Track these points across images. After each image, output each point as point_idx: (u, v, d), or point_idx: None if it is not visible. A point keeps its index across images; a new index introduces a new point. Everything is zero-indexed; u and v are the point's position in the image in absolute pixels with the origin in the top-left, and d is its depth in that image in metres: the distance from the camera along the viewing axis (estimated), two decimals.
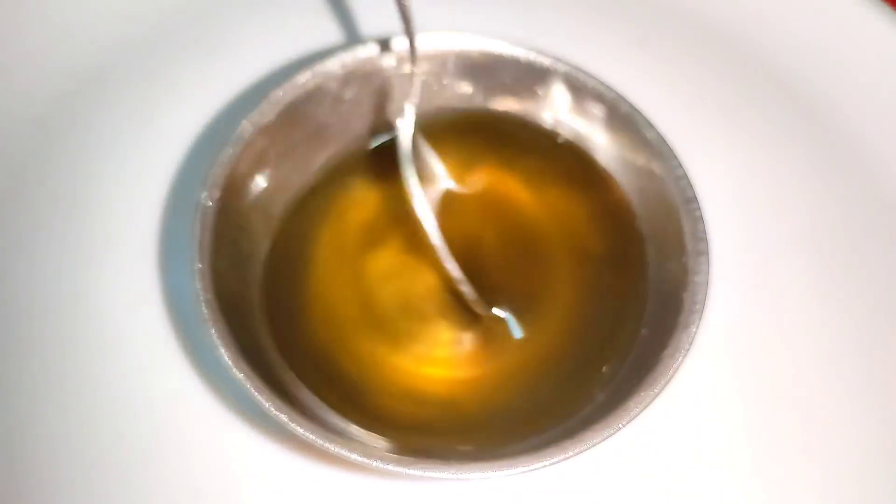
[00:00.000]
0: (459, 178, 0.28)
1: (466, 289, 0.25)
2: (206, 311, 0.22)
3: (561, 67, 0.27)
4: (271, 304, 0.25)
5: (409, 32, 0.24)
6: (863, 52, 0.33)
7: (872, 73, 0.33)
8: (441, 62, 0.27)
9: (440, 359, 0.25)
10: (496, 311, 0.26)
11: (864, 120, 0.32)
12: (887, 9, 0.33)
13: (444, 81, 0.27)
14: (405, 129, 0.24)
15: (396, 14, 0.24)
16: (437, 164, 0.27)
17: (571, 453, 0.21)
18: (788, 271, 0.29)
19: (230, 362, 0.21)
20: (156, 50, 0.31)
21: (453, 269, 0.24)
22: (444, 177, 0.27)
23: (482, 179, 0.28)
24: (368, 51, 0.26)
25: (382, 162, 0.28)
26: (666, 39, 0.33)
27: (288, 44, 0.31)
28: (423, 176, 0.26)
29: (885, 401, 0.27)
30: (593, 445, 0.21)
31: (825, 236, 0.29)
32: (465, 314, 0.26)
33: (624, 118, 0.26)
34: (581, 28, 0.33)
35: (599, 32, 0.33)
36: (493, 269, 0.27)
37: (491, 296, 0.26)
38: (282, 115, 0.26)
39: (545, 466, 0.21)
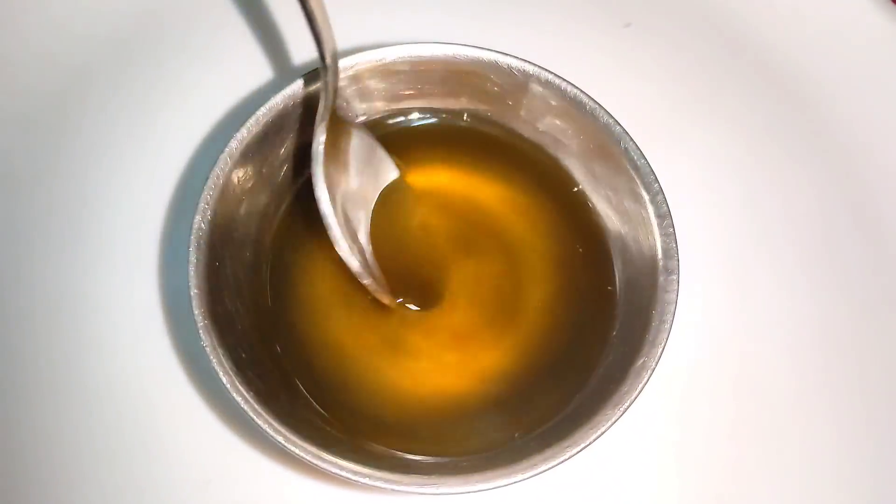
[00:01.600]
0: (425, 179, 0.29)
1: (368, 281, 0.26)
2: (203, 338, 0.23)
3: (542, 75, 0.27)
4: (263, 317, 0.26)
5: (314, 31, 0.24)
6: (852, 48, 0.33)
7: (862, 70, 0.33)
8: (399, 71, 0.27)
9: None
10: (407, 303, 0.27)
11: (855, 121, 0.32)
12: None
13: (406, 91, 0.28)
14: (319, 131, 0.25)
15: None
16: (388, 164, 0.28)
17: (555, 462, 0.23)
18: (759, 280, 0.30)
19: (228, 386, 0.23)
20: (160, 53, 0.32)
21: (353, 263, 0.25)
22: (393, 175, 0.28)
23: (452, 182, 0.29)
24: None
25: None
26: (650, 29, 0.33)
27: (292, 54, 0.31)
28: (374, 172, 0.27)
29: (862, 408, 0.29)
30: (566, 460, 0.23)
31: (801, 242, 0.31)
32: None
33: (602, 128, 0.26)
34: (565, 20, 0.33)
35: (584, 22, 0.33)
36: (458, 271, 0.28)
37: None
38: (268, 132, 0.26)
39: (521, 481, 0.23)
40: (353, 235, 0.26)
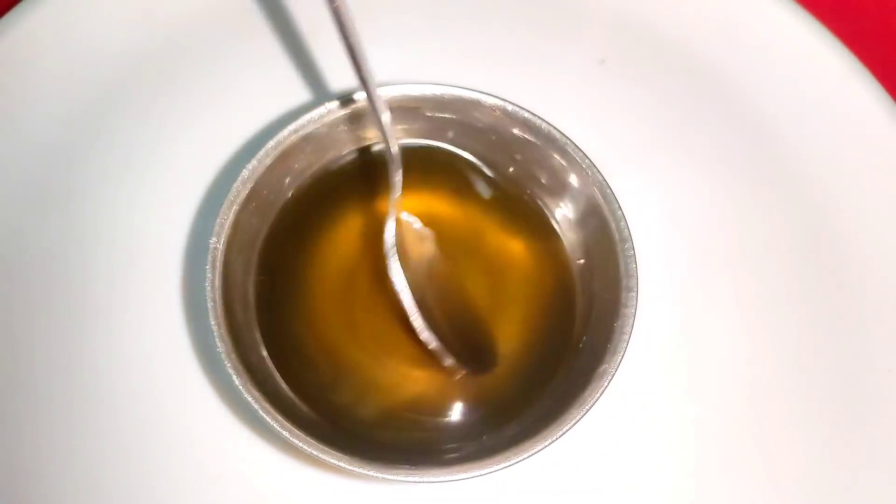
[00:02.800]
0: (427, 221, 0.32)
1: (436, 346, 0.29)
2: (219, 345, 0.27)
3: (519, 113, 0.30)
4: (268, 325, 0.30)
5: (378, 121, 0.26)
6: (812, 86, 0.36)
7: (821, 107, 0.36)
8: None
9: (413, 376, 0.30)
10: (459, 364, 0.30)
11: (815, 156, 0.35)
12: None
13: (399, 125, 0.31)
14: (391, 223, 0.28)
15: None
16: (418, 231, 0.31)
17: (528, 454, 0.26)
18: (713, 297, 0.33)
19: (241, 388, 0.26)
20: (184, 75, 0.35)
21: (428, 337, 0.28)
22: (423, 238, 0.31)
23: (441, 204, 0.32)
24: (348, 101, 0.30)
25: (363, 187, 0.32)
26: (622, 66, 0.37)
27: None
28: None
29: (812, 413, 0.32)
30: (537, 452, 0.26)
31: (756, 266, 0.34)
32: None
33: (573, 161, 0.30)
34: (544, 58, 0.36)
35: (561, 60, 0.36)
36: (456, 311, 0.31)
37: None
38: (278, 159, 0.29)
39: (498, 470, 0.26)
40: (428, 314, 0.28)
